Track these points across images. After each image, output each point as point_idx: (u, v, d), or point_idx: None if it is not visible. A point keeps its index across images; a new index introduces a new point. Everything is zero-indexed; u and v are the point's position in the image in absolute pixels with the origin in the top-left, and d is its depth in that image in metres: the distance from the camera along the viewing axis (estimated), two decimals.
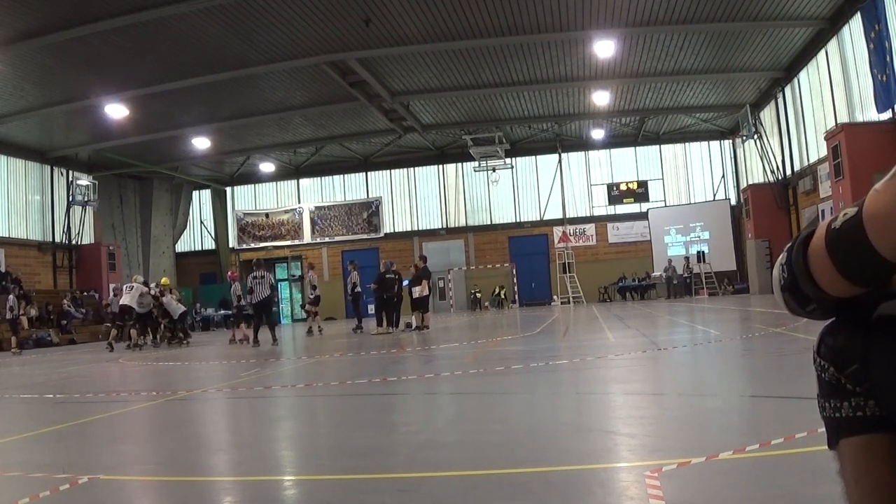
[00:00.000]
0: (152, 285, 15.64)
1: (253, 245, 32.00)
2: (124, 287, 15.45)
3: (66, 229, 24.67)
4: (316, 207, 31.83)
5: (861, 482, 0.88)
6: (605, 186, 29.78)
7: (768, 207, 23.50)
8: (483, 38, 17.35)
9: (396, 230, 31.09)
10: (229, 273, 18.04)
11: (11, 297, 16.32)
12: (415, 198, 31.21)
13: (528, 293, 29.70)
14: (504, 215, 30.55)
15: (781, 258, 0.91)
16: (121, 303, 14.79)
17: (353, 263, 16.22)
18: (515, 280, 29.78)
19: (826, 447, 0.96)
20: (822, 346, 0.94)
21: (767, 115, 24.04)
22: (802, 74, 20.65)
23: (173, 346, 14.83)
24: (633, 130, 28.23)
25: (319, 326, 15.84)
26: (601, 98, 22.92)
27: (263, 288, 12.50)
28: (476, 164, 28.67)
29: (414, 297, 14.57)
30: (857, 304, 0.87)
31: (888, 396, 0.86)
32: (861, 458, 0.89)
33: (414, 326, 14.46)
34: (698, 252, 27.10)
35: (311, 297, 16.22)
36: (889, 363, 0.85)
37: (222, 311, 26.47)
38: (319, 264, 31.54)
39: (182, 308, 15.52)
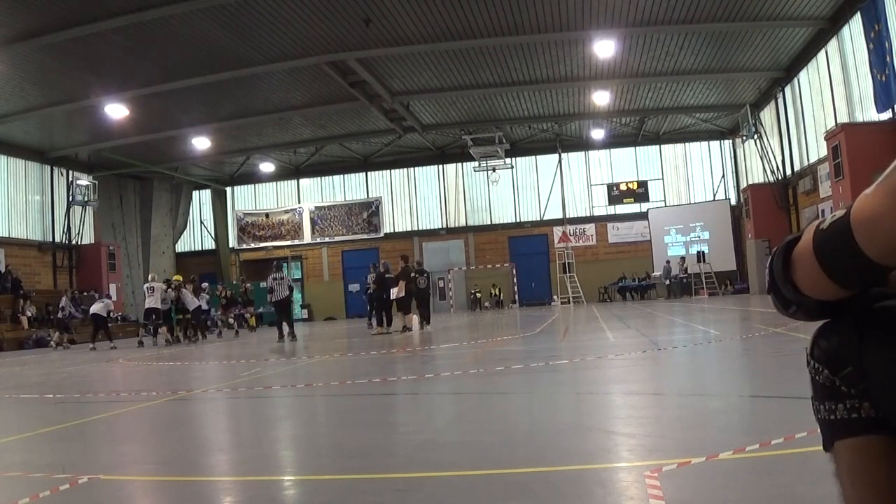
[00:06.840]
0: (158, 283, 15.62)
1: (253, 245, 32.02)
2: (145, 289, 15.70)
3: (66, 229, 24.65)
4: (316, 207, 31.82)
5: (857, 484, 0.88)
6: (605, 186, 29.79)
7: (768, 207, 23.48)
8: (483, 38, 17.34)
9: (396, 230, 31.08)
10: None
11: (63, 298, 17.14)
12: (415, 198, 31.20)
13: (528, 293, 29.68)
14: (504, 215, 30.55)
15: (769, 261, 0.92)
16: (146, 306, 15.39)
17: (375, 266, 16.07)
18: (515, 280, 29.77)
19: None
20: (816, 348, 0.93)
21: (767, 115, 24.03)
22: (802, 74, 20.64)
23: (192, 342, 14.91)
24: (633, 130, 28.22)
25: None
26: (601, 98, 22.92)
27: (283, 288, 13.46)
28: (476, 164, 28.66)
29: (393, 297, 14.36)
30: (842, 307, 0.87)
31: (883, 398, 0.86)
32: (857, 459, 0.89)
33: (402, 328, 13.89)
34: (698, 252, 27.07)
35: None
36: (884, 364, 0.85)
37: None
38: (319, 264, 31.57)
39: (196, 303, 15.56)
